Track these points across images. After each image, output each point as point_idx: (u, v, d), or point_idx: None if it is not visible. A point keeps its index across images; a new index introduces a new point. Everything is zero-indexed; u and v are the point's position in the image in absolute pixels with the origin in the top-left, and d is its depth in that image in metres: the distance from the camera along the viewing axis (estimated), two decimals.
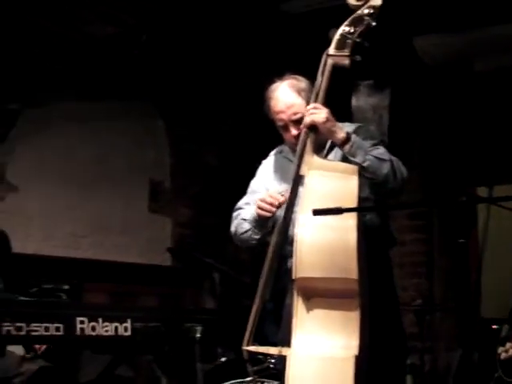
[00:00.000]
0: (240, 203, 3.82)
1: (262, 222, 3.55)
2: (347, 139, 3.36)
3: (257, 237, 3.65)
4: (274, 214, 3.46)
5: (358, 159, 3.34)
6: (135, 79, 6.49)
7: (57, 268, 5.90)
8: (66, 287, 3.73)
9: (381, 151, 3.41)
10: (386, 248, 3.66)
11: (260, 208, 3.48)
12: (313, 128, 3.37)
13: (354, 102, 6.53)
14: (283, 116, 3.53)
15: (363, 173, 3.35)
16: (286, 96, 3.54)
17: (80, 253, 6.60)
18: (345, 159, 3.44)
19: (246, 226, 3.67)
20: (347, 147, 3.35)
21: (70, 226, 6.57)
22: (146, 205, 7.24)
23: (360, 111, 6.52)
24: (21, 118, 6.05)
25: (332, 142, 3.51)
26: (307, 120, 3.37)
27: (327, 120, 3.35)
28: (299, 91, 3.53)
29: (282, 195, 3.41)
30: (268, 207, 3.45)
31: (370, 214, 3.50)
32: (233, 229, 3.78)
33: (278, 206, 3.43)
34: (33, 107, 6.11)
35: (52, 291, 3.69)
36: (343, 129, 3.41)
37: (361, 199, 3.27)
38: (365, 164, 3.33)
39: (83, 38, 5.67)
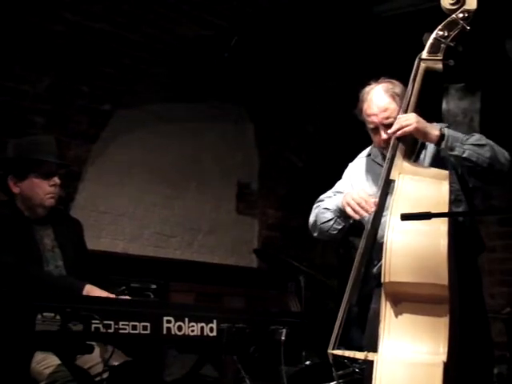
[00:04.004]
0: (321, 197, 3.80)
1: (347, 215, 3.52)
2: (441, 136, 3.33)
3: (339, 227, 3.63)
4: (362, 217, 3.44)
5: (456, 152, 3.31)
6: (226, 82, 6.53)
7: (144, 267, 5.98)
8: (154, 287, 3.77)
9: (477, 137, 3.37)
10: (475, 254, 3.60)
11: (351, 208, 3.45)
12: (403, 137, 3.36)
13: (445, 105, 6.47)
14: (375, 119, 3.51)
15: (466, 164, 3.32)
16: (380, 99, 3.51)
17: (168, 252, 6.69)
18: (436, 158, 3.46)
19: (329, 215, 3.65)
20: (443, 143, 3.32)
21: (159, 225, 6.66)
22: (234, 206, 7.28)
23: (450, 115, 6.45)
24: (113, 119, 6.16)
25: (422, 143, 3.49)
26: (398, 132, 3.34)
27: (418, 124, 3.33)
28: (393, 96, 3.50)
29: (374, 203, 3.38)
30: (359, 210, 3.42)
31: (460, 219, 3.46)
32: (312, 218, 3.76)
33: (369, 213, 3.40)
34: (124, 108, 6.21)
35: (140, 290, 3.73)
36: (434, 127, 3.39)
37: (451, 203, 3.24)
38: (465, 154, 3.30)
39: (175, 39, 5.73)
